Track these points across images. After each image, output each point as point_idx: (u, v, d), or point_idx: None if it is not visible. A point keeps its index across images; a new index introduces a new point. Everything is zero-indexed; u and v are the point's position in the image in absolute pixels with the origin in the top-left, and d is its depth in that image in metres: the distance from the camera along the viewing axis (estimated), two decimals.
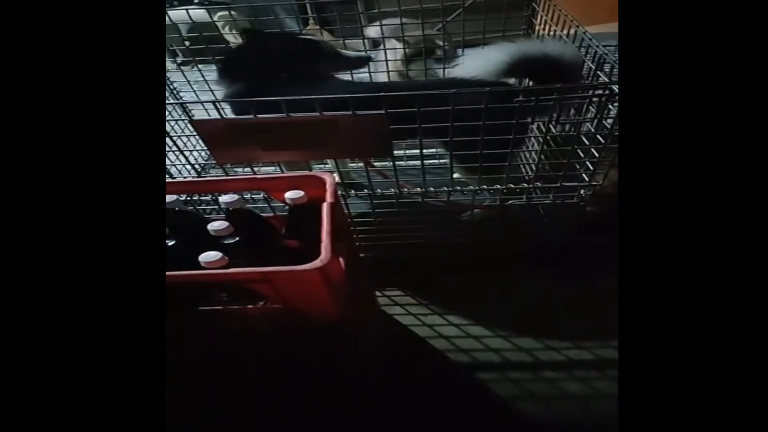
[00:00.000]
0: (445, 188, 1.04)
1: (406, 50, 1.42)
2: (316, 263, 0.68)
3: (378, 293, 1.12)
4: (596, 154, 0.92)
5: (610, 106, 0.86)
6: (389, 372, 0.96)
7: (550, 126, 0.98)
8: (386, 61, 1.40)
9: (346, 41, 1.51)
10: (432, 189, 1.05)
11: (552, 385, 0.92)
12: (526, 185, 1.06)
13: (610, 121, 0.88)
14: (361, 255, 1.15)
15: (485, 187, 1.07)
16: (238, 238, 0.77)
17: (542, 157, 1.00)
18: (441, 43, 1.46)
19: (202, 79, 1.37)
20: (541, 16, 1.24)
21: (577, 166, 0.98)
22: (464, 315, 1.07)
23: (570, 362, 0.96)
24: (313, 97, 0.82)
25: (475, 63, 1.00)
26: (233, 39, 1.89)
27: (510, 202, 1.14)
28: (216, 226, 0.73)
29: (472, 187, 1.07)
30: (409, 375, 0.96)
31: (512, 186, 1.05)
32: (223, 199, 0.79)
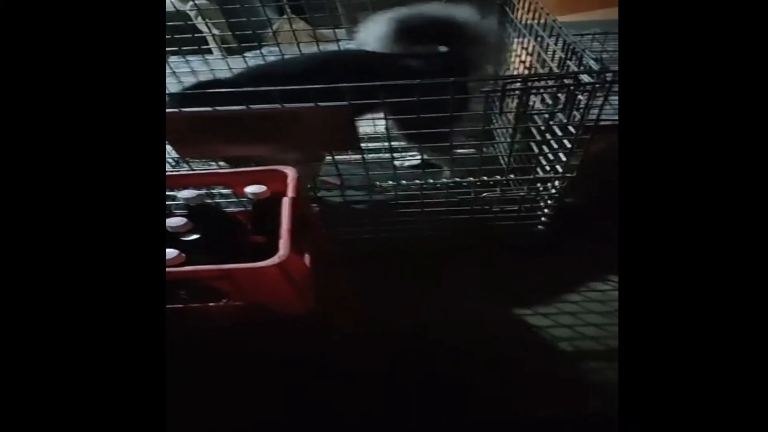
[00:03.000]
0: (417, 181, 1.03)
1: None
2: (274, 259, 0.66)
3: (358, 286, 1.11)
4: (568, 145, 0.91)
5: (580, 97, 0.85)
6: (364, 367, 0.94)
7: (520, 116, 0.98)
8: None
9: (319, 31, 1.49)
10: (404, 182, 1.04)
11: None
12: (499, 177, 1.05)
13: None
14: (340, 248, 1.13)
15: (458, 179, 1.06)
16: (197, 235, 0.75)
17: (516, 148, 0.99)
18: None
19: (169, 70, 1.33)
20: (515, 5, 1.22)
21: (551, 157, 0.97)
22: (446, 305, 1.07)
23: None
24: (271, 88, 0.79)
25: (368, 32, 0.99)
26: (205, 28, 1.85)
27: (484, 194, 1.13)
28: (172, 222, 0.71)
29: (445, 180, 1.06)
30: (386, 369, 0.95)
31: (486, 179, 1.04)
32: (182, 194, 0.77)
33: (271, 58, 1.35)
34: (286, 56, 1.33)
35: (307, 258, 0.79)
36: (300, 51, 1.33)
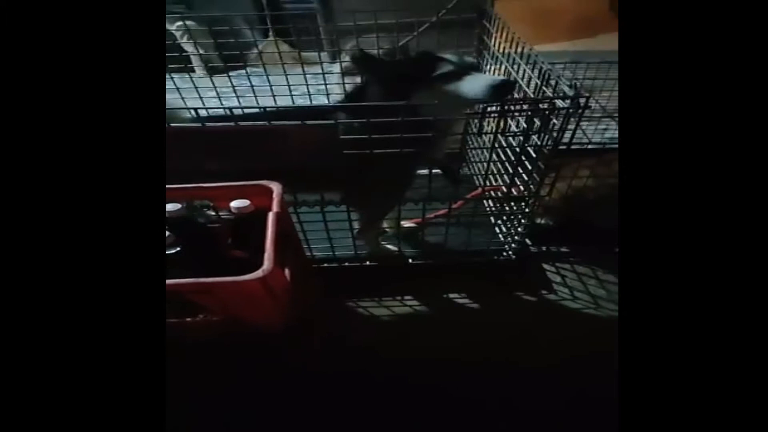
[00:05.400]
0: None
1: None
2: (258, 273, 0.66)
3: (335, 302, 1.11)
4: (542, 166, 0.94)
5: (554, 120, 0.89)
6: (335, 380, 0.94)
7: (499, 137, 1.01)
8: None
9: (303, 54, 1.51)
10: None
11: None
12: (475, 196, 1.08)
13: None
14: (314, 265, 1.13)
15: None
16: (178, 248, 0.74)
17: (492, 168, 1.02)
18: None
19: None
20: (493, 34, 1.27)
21: (525, 178, 1.00)
22: (416, 320, 1.07)
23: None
24: (262, 106, 0.81)
25: None
26: (190, 48, 1.87)
27: (458, 212, 1.16)
28: None
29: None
30: (360, 381, 0.94)
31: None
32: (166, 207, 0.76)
33: (255, 78, 1.37)
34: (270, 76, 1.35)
35: (287, 272, 0.79)
36: (285, 72, 1.35)
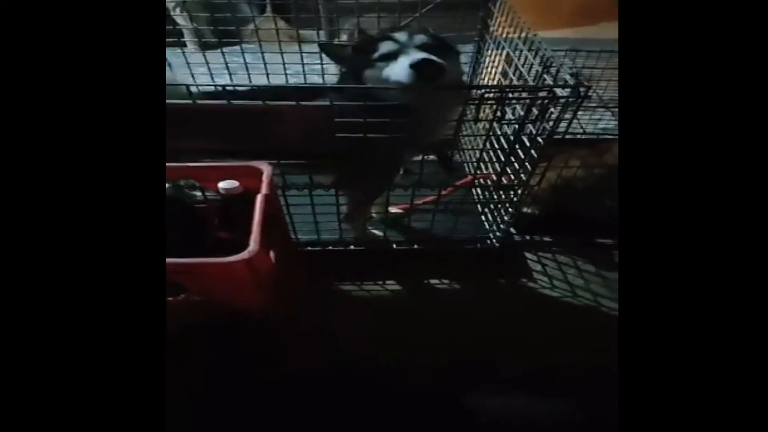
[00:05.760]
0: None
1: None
2: (244, 255, 0.65)
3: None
4: (534, 155, 0.92)
5: (552, 109, 0.87)
6: (312, 364, 0.94)
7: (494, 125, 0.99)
8: None
9: (300, 32, 1.48)
10: None
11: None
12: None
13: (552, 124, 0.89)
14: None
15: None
16: None
17: (484, 156, 1.00)
18: None
19: None
20: (497, 17, 1.25)
21: (516, 166, 0.99)
22: (399, 309, 1.07)
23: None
24: (255, 85, 0.79)
25: None
26: (183, 21, 1.82)
27: (447, 199, 1.15)
28: None
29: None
30: (338, 365, 0.94)
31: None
32: None
33: (249, 55, 1.34)
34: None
35: (272, 255, 0.78)
36: (281, 50, 1.32)
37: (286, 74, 1.30)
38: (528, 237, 1.21)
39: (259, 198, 0.76)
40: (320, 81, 1.30)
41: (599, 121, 1.51)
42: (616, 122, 1.23)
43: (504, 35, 1.18)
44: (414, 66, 0.80)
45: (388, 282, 1.11)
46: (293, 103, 0.79)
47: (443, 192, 1.05)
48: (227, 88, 0.91)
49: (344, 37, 1.57)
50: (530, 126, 0.92)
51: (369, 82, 0.87)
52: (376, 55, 0.87)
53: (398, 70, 0.82)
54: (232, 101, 0.79)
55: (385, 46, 0.87)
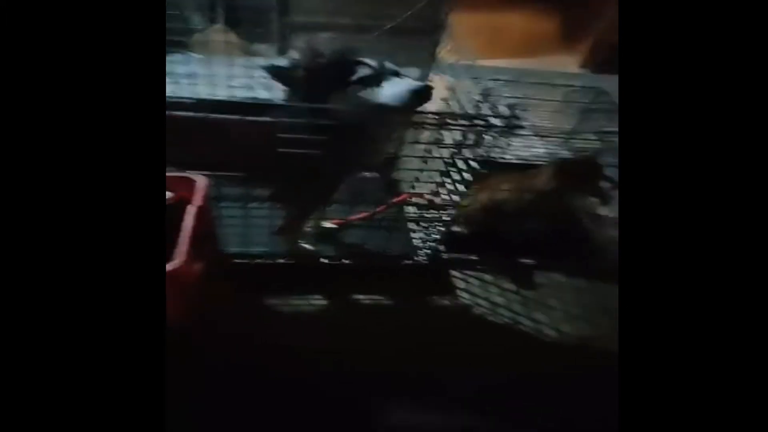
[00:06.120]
0: None
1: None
2: (167, 267, 0.64)
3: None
4: (469, 178, 0.97)
5: (485, 136, 0.92)
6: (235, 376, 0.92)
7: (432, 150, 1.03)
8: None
9: (252, 47, 1.48)
10: None
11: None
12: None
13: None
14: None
15: None
16: None
17: (420, 176, 1.03)
18: None
19: None
20: (444, 44, 1.29)
21: (451, 187, 1.04)
22: (321, 320, 1.07)
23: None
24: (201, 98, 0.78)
25: None
26: None
27: (381, 216, 1.18)
28: None
29: None
30: (259, 378, 0.92)
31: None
32: None
33: (194, 65, 1.32)
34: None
35: (200, 268, 0.77)
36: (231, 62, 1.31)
37: (231, 86, 1.30)
38: (456, 255, 1.24)
39: (192, 210, 0.75)
40: (267, 95, 1.30)
41: (531, 147, 1.59)
42: (547, 149, 1.30)
43: (449, 62, 1.22)
44: (418, 91, 0.83)
45: (314, 296, 1.10)
46: (237, 117, 0.79)
47: (377, 209, 1.06)
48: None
49: (296, 55, 1.58)
50: (466, 150, 0.96)
51: (344, 103, 0.88)
52: (353, 78, 0.88)
53: (399, 93, 0.84)
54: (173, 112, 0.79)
55: (363, 71, 0.89)
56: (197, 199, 0.77)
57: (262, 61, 1.26)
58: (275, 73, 0.94)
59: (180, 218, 0.73)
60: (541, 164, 1.32)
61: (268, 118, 0.81)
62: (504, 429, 0.91)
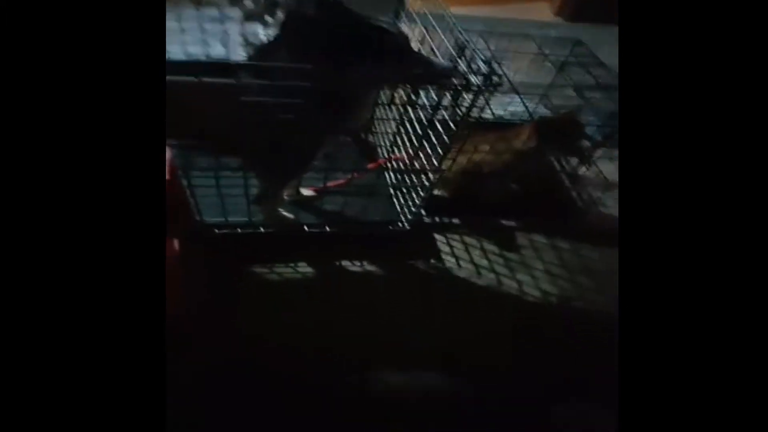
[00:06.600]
0: None
1: None
2: None
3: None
4: (447, 141, 0.94)
5: (464, 95, 0.88)
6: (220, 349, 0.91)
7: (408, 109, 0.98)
8: None
9: None
10: None
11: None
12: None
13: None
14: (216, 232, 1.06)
15: None
16: None
17: (397, 139, 1.00)
18: None
19: None
20: None
21: (429, 151, 1.01)
22: (308, 287, 1.07)
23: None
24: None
25: None
26: None
27: (359, 182, 1.15)
28: None
29: None
30: (247, 351, 0.92)
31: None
32: None
33: None
34: None
35: (176, 244, 0.73)
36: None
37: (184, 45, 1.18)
38: (437, 219, 1.24)
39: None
40: (223, 51, 1.19)
41: (509, 104, 1.55)
42: (524, 106, 1.27)
43: (419, 11, 1.14)
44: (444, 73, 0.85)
45: (299, 264, 1.09)
46: (194, 79, 0.72)
47: (355, 175, 1.03)
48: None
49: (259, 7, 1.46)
50: (442, 111, 0.93)
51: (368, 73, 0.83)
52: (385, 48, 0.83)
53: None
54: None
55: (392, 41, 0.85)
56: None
57: (216, 13, 1.15)
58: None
59: None
60: (519, 123, 1.30)
61: (231, 80, 0.75)
62: (492, 389, 0.93)
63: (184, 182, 0.86)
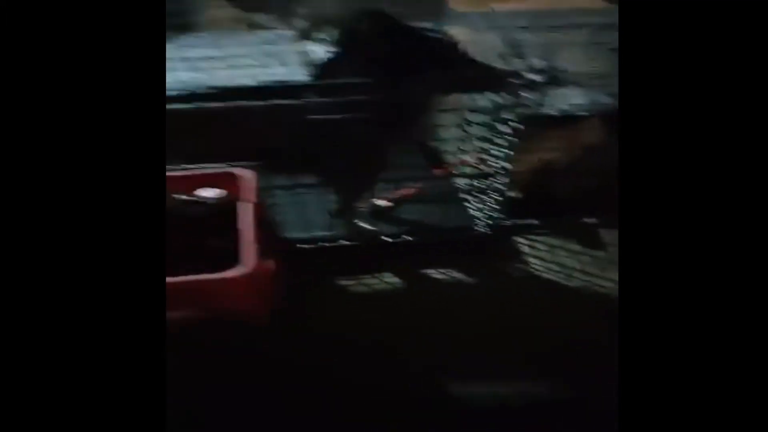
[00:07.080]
0: None
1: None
2: (240, 269, 0.63)
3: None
4: (513, 141, 0.94)
5: (524, 94, 0.88)
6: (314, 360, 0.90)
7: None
8: None
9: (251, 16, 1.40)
10: None
11: None
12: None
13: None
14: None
15: None
16: None
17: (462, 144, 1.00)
18: None
19: None
20: None
21: (494, 152, 1.00)
22: (395, 297, 1.07)
23: None
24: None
25: None
26: None
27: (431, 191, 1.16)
28: None
29: None
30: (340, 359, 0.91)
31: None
32: None
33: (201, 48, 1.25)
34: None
35: (270, 263, 0.76)
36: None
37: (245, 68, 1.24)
38: (516, 221, 1.19)
39: (246, 207, 0.73)
40: (282, 71, 1.24)
41: (570, 97, 1.51)
42: (585, 98, 1.24)
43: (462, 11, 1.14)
44: None
45: (385, 274, 1.09)
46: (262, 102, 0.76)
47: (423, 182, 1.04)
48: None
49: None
50: (504, 111, 0.93)
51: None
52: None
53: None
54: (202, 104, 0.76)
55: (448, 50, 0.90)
56: (251, 195, 0.75)
57: (272, 36, 1.19)
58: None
59: (232, 217, 0.72)
60: (583, 115, 1.27)
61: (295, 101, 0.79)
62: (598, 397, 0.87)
63: (268, 201, 0.91)
